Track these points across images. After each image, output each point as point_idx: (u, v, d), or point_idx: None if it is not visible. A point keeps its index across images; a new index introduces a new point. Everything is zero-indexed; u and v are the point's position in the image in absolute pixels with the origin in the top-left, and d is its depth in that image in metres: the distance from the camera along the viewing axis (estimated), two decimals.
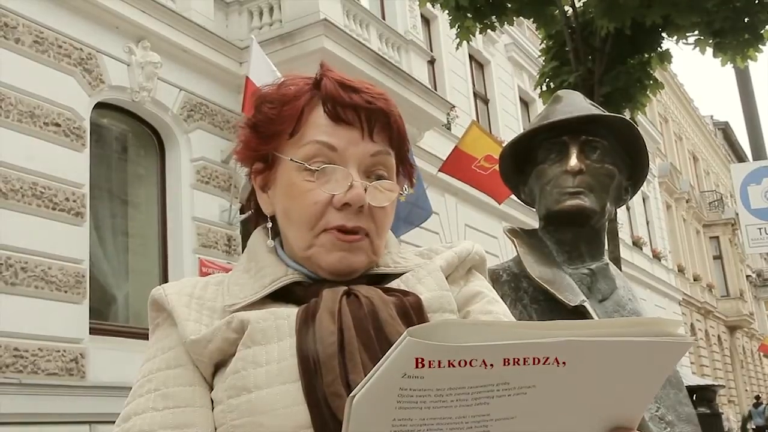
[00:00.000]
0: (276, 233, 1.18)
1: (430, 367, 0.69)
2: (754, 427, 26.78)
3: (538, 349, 0.71)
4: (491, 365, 0.71)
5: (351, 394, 0.74)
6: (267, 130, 1.14)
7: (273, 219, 1.17)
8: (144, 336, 8.11)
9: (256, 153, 1.17)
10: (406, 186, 1.22)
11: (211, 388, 1.05)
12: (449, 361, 0.69)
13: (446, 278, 1.14)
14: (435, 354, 0.69)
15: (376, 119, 1.11)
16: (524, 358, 0.71)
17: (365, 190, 1.09)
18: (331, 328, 0.99)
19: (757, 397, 28.65)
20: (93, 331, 8.14)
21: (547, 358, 0.72)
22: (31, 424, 7.17)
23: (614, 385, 0.78)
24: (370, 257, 1.12)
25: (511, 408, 0.75)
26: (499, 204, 12.00)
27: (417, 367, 0.69)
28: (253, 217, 1.23)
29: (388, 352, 0.70)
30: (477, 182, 11.22)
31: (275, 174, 1.15)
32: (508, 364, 0.71)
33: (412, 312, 1.04)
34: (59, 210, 8.00)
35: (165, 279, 9.25)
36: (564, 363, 0.73)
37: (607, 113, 2.01)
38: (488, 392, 0.73)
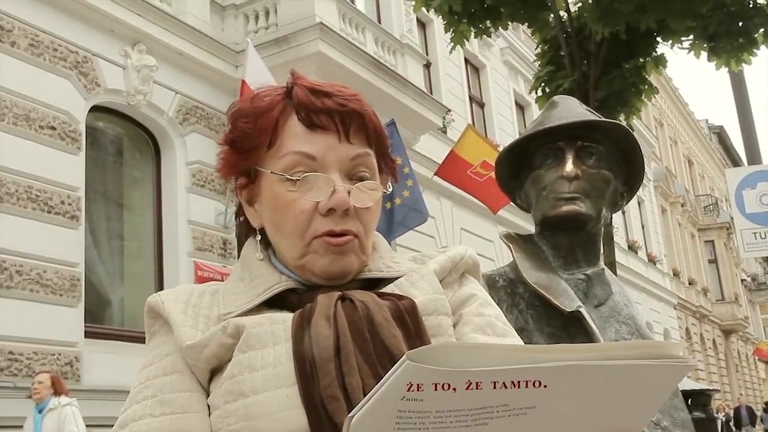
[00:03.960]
0: (267, 244, 1.18)
1: (429, 390, 0.70)
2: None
3: (539, 374, 0.71)
4: (491, 389, 0.71)
5: (350, 414, 0.75)
6: (245, 144, 1.14)
7: (262, 231, 1.18)
8: (139, 339, 8.11)
9: (237, 168, 1.17)
10: (390, 182, 1.22)
11: (208, 394, 1.06)
12: (449, 384, 0.69)
13: (440, 282, 1.14)
14: (434, 378, 0.69)
15: (351, 121, 1.11)
16: (525, 382, 0.71)
17: (349, 193, 1.09)
18: (327, 332, 1.00)
19: (767, 403, 29.12)
20: (88, 334, 8.14)
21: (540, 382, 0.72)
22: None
23: (614, 404, 0.78)
24: (360, 257, 1.12)
25: (510, 427, 0.75)
26: (495, 213, 12.01)
27: (415, 390, 0.70)
28: (244, 229, 1.23)
29: (387, 374, 0.71)
30: (472, 189, 11.23)
31: (259, 187, 1.15)
32: (509, 387, 0.71)
33: (407, 315, 1.04)
34: (54, 213, 8.00)
35: (160, 282, 9.24)
36: (563, 386, 0.73)
37: (603, 119, 2.01)
38: (488, 413, 0.73)
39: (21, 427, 7.03)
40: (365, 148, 1.13)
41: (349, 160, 1.11)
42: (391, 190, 1.21)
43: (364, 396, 0.93)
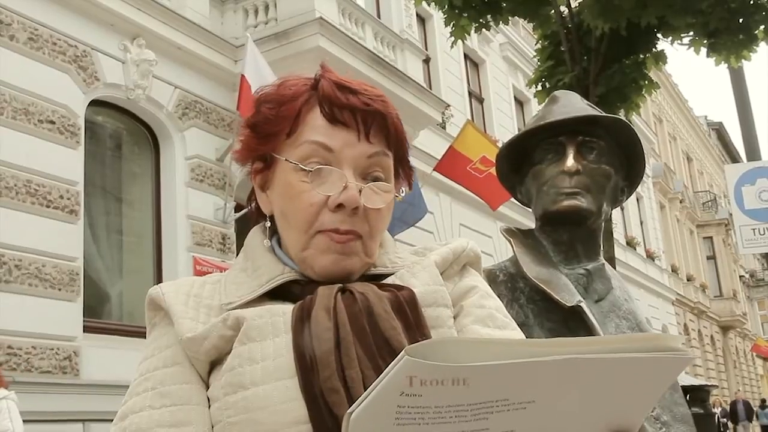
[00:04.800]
0: (274, 232, 1.18)
1: (428, 385, 0.69)
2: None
3: (538, 368, 0.71)
4: (490, 383, 0.71)
5: (349, 410, 0.75)
6: (265, 130, 1.15)
7: (272, 218, 1.18)
8: (137, 334, 8.13)
9: (255, 153, 1.17)
10: (403, 188, 1.22)
11: (208, 386, 1.06)
12: (448, 379, 0.69)
13: (441, 274, 1.14)
14: (433, 373, 0.69)
15: (372, 120, 1.11)
16: (524, 375, 0.71)
17: (360, 191, 1.09)
18: (327, 324, 1.00)
19: (764, 400, 29.28)
20: (87, 329, 8.14)
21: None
22: (25, 422, 7.14)
23: (614, 397, 0.78)
24: (363, 259, 1.12)
25: (510, 422, 0.75)
26: (494, 210, 12.00)
27: (414, 385, 0.69)
28: (253, 215, 1.23)
29: (386, 369, 0.71)
30: (471, 185, 11.22)
31: (273, 174, 1.15)
32: (509, 381, 0.71)
33: (407, 306, 1.04)
34: (53, 207, 7.99)
35: (159, 277, 9.24)
36: (563, 379, 0.73)
37: (604, 114, 2.01)
38: (487, 408, 0.73)
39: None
40: (383, 148, 1.13)
41: (366, 158, 1.11)
42: (403, 195, 1.21)
43: (364, 388, 0.93)
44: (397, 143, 1.16)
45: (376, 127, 1.12)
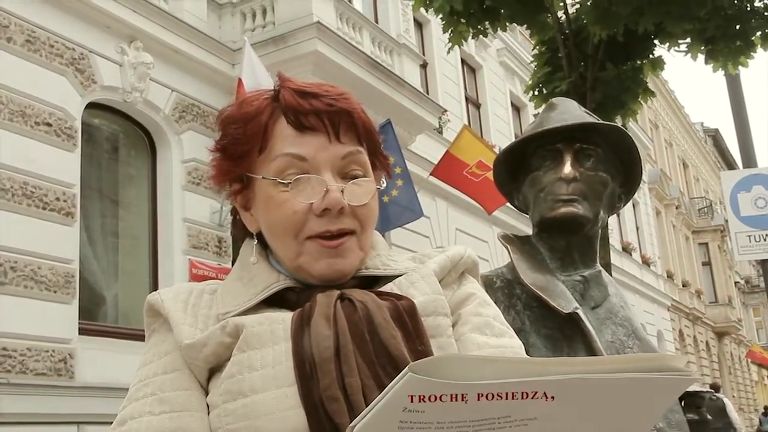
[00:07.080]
0: (264, 246, 1.18)
1: (430, 401, 0.70)
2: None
3: (542, 387, 0.72)
4: (493, 401, 0.71)
5: (351, 424, 0.75)
6: (236, 151, 1.15)
7: (260, 235, 1.17)
8: (133, 337, 8.12)
9: (230, 175, 1.17)
10: (384, 178, 1.22)
11: (207, 393, 1.06)
12: (450, 396, 0.70)
13: (439, 282, 1.14)
14: (436, 390, 0.69)
15: (340, 120, 1.11)
16: (526, 393, 0.71)
17: (342, 191, 1.09)
18: (327, 332, 1.00)
19: (766, 407, 29.27)
20: (82, 331, 8.11)
21: (545, 393, 0.72)
22: (19, 424, 7.14)
23: (616, 415, 0.79)
24: (358, 254, 1.12)
25: None
26: (489, 214, 12.01)
27: (418, 401, 0.70)
28: (240, 235, 1.23)
29: (390, 384, 0.71)
30: (468, 189, 11.25)
31: (253, 192, 1.15)
32: (511, 399, 0.71)
33: (406, 316, 1.04)
34: (50, 210, 7.97)
35: (155, 280, 9.22)
36: (565, 398, 0.74)
37: (601, 121, 2.01)
38: (489, 425, 0.73)
39: (15, 423, 7.02)
40: (356, 146, 1.13)
41: (340, 158, 1.11)
42: (384, 185, 1.21)
43: (364, 396, 0.93)
44: (367, 137, 1.16)
45: (344, 126, 1.12)
